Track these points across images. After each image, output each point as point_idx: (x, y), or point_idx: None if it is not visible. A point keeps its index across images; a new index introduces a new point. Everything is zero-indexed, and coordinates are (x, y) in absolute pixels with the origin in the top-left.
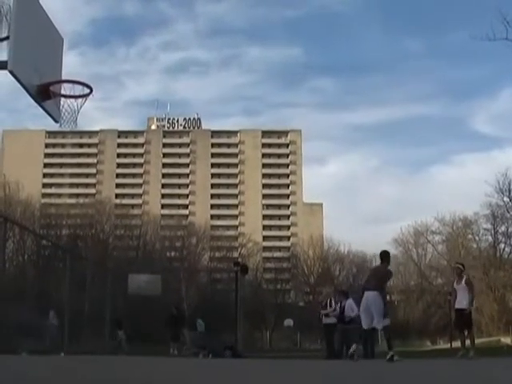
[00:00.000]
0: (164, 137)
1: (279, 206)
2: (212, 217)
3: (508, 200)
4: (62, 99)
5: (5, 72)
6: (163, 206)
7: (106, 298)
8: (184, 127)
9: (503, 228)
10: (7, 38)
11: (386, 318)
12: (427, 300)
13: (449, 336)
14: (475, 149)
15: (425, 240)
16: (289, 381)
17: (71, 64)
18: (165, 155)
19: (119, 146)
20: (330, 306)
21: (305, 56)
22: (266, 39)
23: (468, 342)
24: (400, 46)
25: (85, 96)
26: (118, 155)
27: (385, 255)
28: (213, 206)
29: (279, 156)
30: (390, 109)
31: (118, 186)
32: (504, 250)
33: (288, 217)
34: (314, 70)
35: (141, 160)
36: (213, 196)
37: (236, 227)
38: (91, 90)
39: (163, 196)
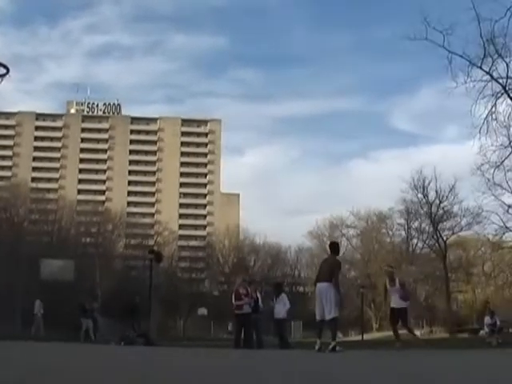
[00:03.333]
0: (83, 121)
1: (196, 195)
2: (129, 204)
3: (422, 197)
4: None
5: None
6: (80, 192)
7: (18, 283)
8: (104, 112)
9: (416, 224)
10: None
11: (336, 309)
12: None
13: (360, 328)
14: (393, 145)
15: (340, 233)
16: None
17: None
18: (83, 140)
19: (37, 128)
20: (245, 295)
21: (229, 46)
22: (192, 27)
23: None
24: (325, 40)
25: (1, 76)
26: (36, 138)
27: (333, 247)
28: (130, 193)
29: (198, 145)
30: (312, 102)
31: (34, 169)
32: (416, 245)
33: (205, 206)
34: (238, 60)
35: (59, 144)
36: (130, 183)
37: (152, 215)
38: (8, 71)
39: (80, 181)
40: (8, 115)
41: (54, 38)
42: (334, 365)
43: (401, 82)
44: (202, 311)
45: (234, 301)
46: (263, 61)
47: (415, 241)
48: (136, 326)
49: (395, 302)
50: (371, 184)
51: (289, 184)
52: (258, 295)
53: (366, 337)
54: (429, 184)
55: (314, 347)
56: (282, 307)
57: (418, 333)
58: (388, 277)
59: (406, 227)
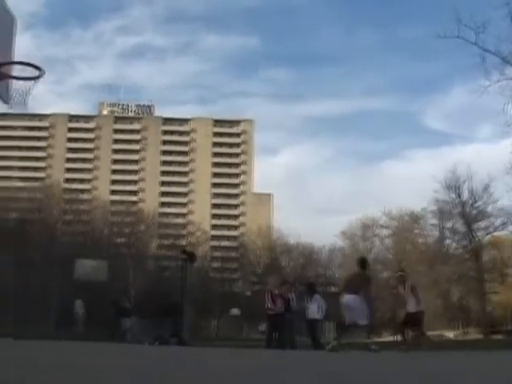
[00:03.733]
0: (115, 122)
1: (229, 196)
2: (161, 204)
3: (455, 196)
4: (13, 81)
5: None
6: (113, 192)
7: (52, 283)
8: (136, 113)
9: (449, 224)
10: None
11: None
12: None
13: (392, 329)
14: (426, 145)
15: (372, 233)
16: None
17: (24, 46)
18: (116, 141)
19: (70, 130)
20: (274, 302)
21: (260, 46)
22: (223, 27)
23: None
24: (357, 39)
25: (36, 78)
26: (69, 139)
27: (362, 262)
28: (162, 194)
29: (231, 145)
30: (344, 101)
31: (67, 170)
32: (450, 245)
33: (237, 206)
34: (269, 60)
35: (91, 145)
36: (163, 183)
37: (185, 215)
38: (43, 73)
39: (113, 182)
40: (41, 117)
41: (86, 40)
42: (365, 365)
43: (433, 81)
44: (235, 311)
45: (267, 302)
46: (294, 60)
47: (448, 241)
48: (174, 326)
49: (411, 306)
50: (403, 184)
51: (321, 184)
52: (291, 296)
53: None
54: (462, 184)
55: (327, 346)
56: (315, 308)
57: (451, 334)
58: (400, 282)
59: (439, 227)
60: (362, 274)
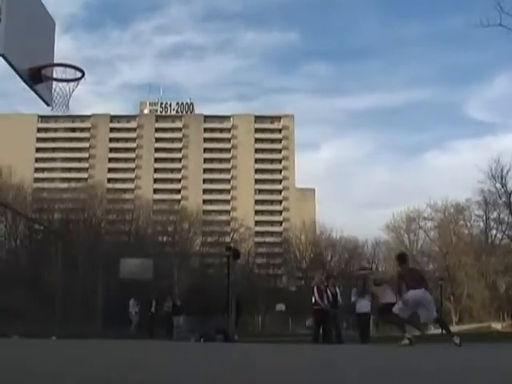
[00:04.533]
0: (156, 121)
1: (271, 191)
2: (204, 202)
3: (500, 186)
4: (54, 83)
5: None
6: (155, 191)
7: (98, 282)
8: (177, 112)
9: (495, 214)
10: None
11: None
12: None
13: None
14: (469, 135)
15: (417, 226)
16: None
17: (65, 48)
18: (157, 140)
19: (111, 130)
20: (320, 296)
21: (299, 41)
22: (262, 23)
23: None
24: (395, 31)
25: (77, 80)
26: (111, 140)
27: (403, 258)
28: (205, 191)
29: (272, 141)
30: (384, 94)
31: (110, 170)
32: (495, 236)
33: (280, 202)
34: (308, 54)
35: (133, 144)
36: (205, 181)
37: (228, 212)
38: (83, 74)
39: (155, 181)
40: (83, 118)
41: (125, 41)
42: (415, 359)
43: (474, 71)
44: (280, 307)
45: (313, 297)
46: (334, 54)
47: (494, 232)
48: (220, 322)
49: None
50: (447, 175)
51: (364, 177)
52: (337, 290)
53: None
54: (507, 173)
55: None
56: (366, 302)
57: (499, 325)
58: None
59: (485, 218)
60: (416, 269)
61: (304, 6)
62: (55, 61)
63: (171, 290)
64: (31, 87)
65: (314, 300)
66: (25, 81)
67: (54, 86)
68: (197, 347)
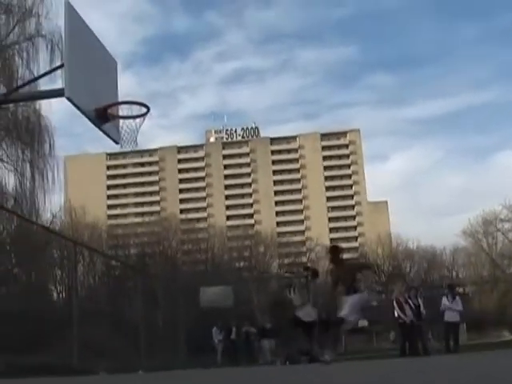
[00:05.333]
0: (223, 148)
1: (344, 208)
2: (278, 224)
3: None
4: (121, 120)
5: (62, 98)
6: (228, 217)
7: (179, 313)
8: (242, 137)
9: None
10: (61, 66)
11: None
12: (502, 289)
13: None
14: None
15: (494, 229)
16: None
17: (127, 84)
18: (226, 166)
19: (180, 161)
20: (402, 309)
21: (358, 54)
22: (319, 40)
23: None
24: (452, 34)
25: (142, 115)
26: (180, 171)
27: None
28: (278, 213)
29: (340, 157)
30: (448, 98)
31: (181, 201)
32: None
33: (354, 217)
34: (368, 67)
35: (202, 173)
36: (277, 203)
37: (303, 232)
38: (148, 109)
39: (228, 207)
40: (151, 152)
41: (185, 71)
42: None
43: None
44: (363, 323)
45: (395, 310)
46: (393, 64)
47: None
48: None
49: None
50: None
51: (435, 185)
52: (420, 301)
53: None
54: None
55: None
56: (456, 311)
57: None
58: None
59: None
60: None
61: (359, 19)
62: (120, 98)
63: (252, 315)
64: (98, 127)
65: (396, 313)
66: (92, 121)
67: (120, 124)
68: (291, 371)
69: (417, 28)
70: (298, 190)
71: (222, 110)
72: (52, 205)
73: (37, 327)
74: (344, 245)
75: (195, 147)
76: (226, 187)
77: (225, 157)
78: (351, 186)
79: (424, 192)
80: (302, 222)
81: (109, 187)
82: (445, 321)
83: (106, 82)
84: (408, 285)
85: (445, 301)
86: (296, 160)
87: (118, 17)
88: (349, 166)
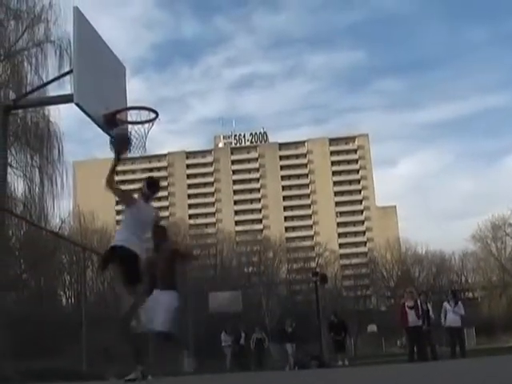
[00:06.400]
0: (232, 153)
1: (353, 213)
2: (286, 229)
3: None
4: (130, 126)
5: (71, 104)
6: (237, 223)
7: (188, 318)
8: (251, 142)
9: None
10: (70, 71)
11: None
12: (511, 294)
13: None
14: None
15: (503, 233)
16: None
17: (136, 89)
18: (234, 172)
19: (188, 166)
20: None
21: (367, 58)
22: (328, 45)
23: None
24: (461, 37)
25: (151, 121)
26: (188, 176)
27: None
28: (286, 218)
29: (348, 162)
30: (458, 102)
31: (190, 206)
32: None
33: (362, 222)
34: (377, 71)
35: (211, 179)
36: (285, 208)
37: (311, 237)
38: (157, 115)
39: (236, 212)
40: (159, 157)
41: (195, 77)
42: None
43: None
44: (372, 328)
45: (403, 315)
46: (403, 68)
47: None
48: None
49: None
50: None
51: (445, 189)
52: (428, 306)
53: None
54: None
55: None
56: (457, 316)
57: None
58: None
59: None
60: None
61: (368, 24)
62: (128, 104)
63: (261, 320)
64: (107, 132)
65: (404, 318)
66: (100, 127)
67: (129, 129)
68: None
69: (425, 32)
70: (307, 195)
71: (231, 115)
72: (61, 210)
73: (46, 332)
74: (353, 250)
75: (204, 152)
76: (235, 192)
77: (233, 162)
78: (360, 191)
79: (433, 196)
80: (310, 227)
81: None
82: (447, 326)
83: (114, 88)
84: (417, 289)
85: (446, 306)
86: (304, 165)
87: (127, 23)
88: (357, 171)
